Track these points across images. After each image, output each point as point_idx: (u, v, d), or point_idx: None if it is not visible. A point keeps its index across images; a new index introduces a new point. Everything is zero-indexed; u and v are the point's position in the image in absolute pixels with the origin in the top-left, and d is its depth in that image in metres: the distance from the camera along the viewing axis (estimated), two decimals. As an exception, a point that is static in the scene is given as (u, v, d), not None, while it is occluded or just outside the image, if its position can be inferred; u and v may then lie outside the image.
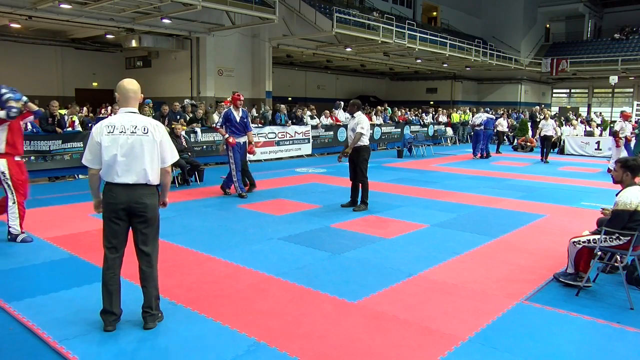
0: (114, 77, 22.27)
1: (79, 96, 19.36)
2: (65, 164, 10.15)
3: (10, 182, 5.53)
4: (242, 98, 8.57)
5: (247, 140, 8.59)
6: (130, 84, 3.54)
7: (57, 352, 3.20)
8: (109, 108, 15.82)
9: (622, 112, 14.04)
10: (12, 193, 5.57)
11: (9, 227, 5.61)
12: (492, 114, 17.58)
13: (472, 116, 18.77)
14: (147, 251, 3.52)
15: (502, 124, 17.85)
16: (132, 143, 3.40)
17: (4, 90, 5.45)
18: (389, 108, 20.83)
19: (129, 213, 3.45)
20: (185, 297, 4.07)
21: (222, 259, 5.10)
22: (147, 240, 3.52)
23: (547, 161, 14.94)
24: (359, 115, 7.57)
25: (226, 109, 8.52)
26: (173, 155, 3.61)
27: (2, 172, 5.49)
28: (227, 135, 8.36)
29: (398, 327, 3.60)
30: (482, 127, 15.59)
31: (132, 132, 3.42)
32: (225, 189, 8.72)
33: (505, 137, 21.49)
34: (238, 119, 8.40)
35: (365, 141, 7.49)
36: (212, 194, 8.86)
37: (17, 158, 5.58)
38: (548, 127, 15.14)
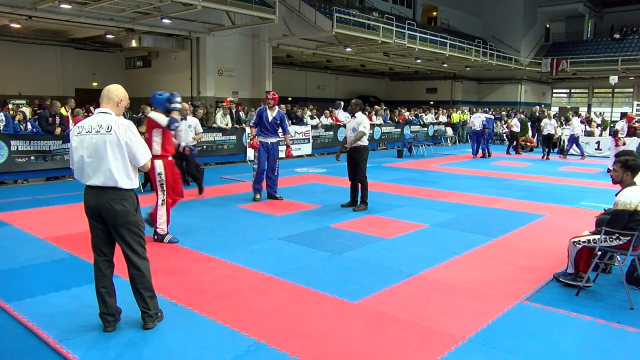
0: (114, 77, 22.41)
1: (79, 96, 19.35)
2: (65, 164, 10.13)
3: (164, 183, 5.65)
4: (270, 97, 8.15)
5: (276, 142, 8.25)
6: (110, 86, 3.53)
7: (57, 352, 3.20)
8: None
9: (624, 113, 14.31)
10: (164, 194, 5.68)
11: (156, 228, 5.67)
12: (491, 113, 17.56)
13: (470, 116, 18.62)
14: (130, 255, 3.45)
15: (517, 124, 17.75)
16: (96, 142, 3.31)
17: (178, 99, 5.61)
18: (386, 108, 20.67)
19: (102, 217, 3.40)
20: (185, 297, 4.07)
21: (222, 259, 5.10)
22: (128, 244, 3.44)
23: (549, 157, 15.46)
24: (360, 115, 7.59)
25: (260, 107, 8.33)
26: (145, 153, 3.45)
27: (159, 174, 5.60)
28: (251, 137, 8.18)
29: (398, 327, 3.60)
30: (481, 128, 15.67)
31: (97, 132, 3.33)
32: (275, 195, 8.27)
33: (506, 137, 21.54)
34: (270, 119, 8.02)
35: (365, 141, 7.51)
36: (212, 194, 8.86)
37: (169, 158, 5.74)
38: (550, 127, 15.57)
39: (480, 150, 15.92)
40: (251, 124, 8.33)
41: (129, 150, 3.36)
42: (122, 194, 3.38)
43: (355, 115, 7.60)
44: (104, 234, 3.46)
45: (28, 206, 7.58)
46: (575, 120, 16.37)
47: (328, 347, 3.30)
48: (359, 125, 7.44)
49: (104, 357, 3.15)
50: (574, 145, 16.20)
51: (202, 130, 9.04)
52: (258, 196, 8.25)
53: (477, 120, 15.88)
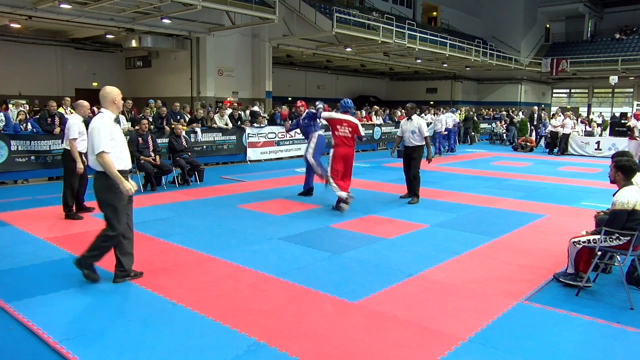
0: (114, 77, 22.41)
1: (78, 96, 19.35)
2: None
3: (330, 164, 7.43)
4: (299, 104, 8.80)
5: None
6: (102, 89, 4.35)
7: (57, 352, 3.20)
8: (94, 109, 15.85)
9: (624, 114, 14.75)
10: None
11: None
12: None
13: (437, 116, 18.78)
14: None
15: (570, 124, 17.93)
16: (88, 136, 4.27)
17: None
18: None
19: None
20: (185, 297, 4.07)
21: (222, 259, 5.10)
22: (104, 215, 4.30)
23: (565, 153, 16.67)
24: (417, 118, 8.26)
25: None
26: (99, 146, 4.12)
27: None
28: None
29: (398, 327, 3.60)
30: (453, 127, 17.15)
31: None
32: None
33: (506, 138, 21.56)
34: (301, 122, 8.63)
35: (421, 141, 8.24)
36: (212, 193, 8.86)
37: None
38: (568, 126, 16.85)
39: (450, 147, 17.13)
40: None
41: (90, 142, 4.20)
42: (98, 174, 4.27)
43: (412, 118, 8.26)
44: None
45: (28, 206, 7.58)
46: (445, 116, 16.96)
47: (328, 347, 3.30)
48: (419, 128, 8.11)
49: (103, 357, 3.15)
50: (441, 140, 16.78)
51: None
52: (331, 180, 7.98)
53: (450, 119, 16.93)
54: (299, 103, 8.89)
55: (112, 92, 4.27)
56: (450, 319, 3.75)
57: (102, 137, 4.10)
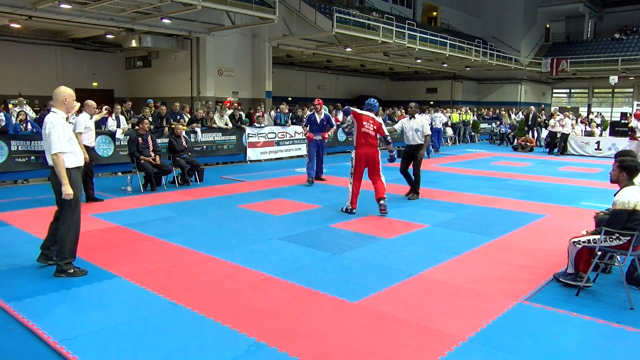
0: (114, 77, 22.41)
1: (79, 96, 19.21)
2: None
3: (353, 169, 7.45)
4: (316, 103, 10.24)
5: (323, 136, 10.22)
6: (57, 89, 4.61)
7: (57, 352, 3.20)
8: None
9: (624, 113, 14.85)
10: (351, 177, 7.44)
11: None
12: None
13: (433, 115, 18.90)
14: (61, 212, 4.60)
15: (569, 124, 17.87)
16: (43, 134, 4.54)
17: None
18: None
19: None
20: (185, 297, 4.08)
21: (222, 259, 5.10)
22: (60, 205, 4.59)
23: (565, 153, 16.82)
24: (419, 117, 8.68)
25: (309, 113, 10.66)
26: (56, 146, 4.38)
27: (352, 158, 7.45)
28: (307, 131, 10.17)
29: (398, 327, 3.60)
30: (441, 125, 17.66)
31: (44, 128, 4.52)
32: (321, 176, 10.34)
33: (506, 137, 21.56)
34: (318, 121, 10.02)
35: (422, 139, 8.54)
36: (212, 193, 8.86)
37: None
38: (567, 126, 17.01)
39: (437, 146, 17.51)
40: (303, 125, 10.67)
41: (48, 142, 4.43)
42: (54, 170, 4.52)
43: (415, 116, 8.61)
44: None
45: (28, 206, 7.59)
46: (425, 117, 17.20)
47: (328, 347, 3.30)
48: (423, 127, 8.49)
49: (103, 357, 3.15)
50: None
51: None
52: (311, 179, 9.96)
53: (438, 119, 17.30)
54: (320, 101, 10.33)
55: (65, 92, 4.54)
56: (450, 319, 3.75)
57: (61, 137, 4.41)
